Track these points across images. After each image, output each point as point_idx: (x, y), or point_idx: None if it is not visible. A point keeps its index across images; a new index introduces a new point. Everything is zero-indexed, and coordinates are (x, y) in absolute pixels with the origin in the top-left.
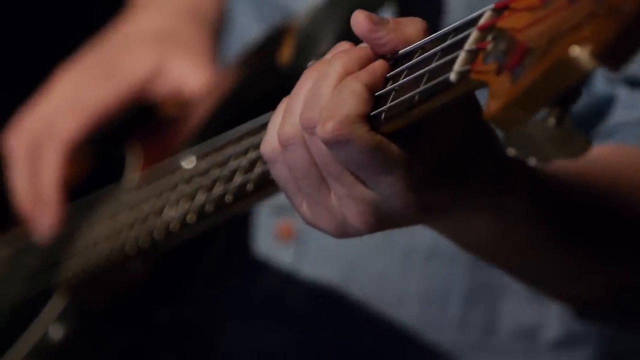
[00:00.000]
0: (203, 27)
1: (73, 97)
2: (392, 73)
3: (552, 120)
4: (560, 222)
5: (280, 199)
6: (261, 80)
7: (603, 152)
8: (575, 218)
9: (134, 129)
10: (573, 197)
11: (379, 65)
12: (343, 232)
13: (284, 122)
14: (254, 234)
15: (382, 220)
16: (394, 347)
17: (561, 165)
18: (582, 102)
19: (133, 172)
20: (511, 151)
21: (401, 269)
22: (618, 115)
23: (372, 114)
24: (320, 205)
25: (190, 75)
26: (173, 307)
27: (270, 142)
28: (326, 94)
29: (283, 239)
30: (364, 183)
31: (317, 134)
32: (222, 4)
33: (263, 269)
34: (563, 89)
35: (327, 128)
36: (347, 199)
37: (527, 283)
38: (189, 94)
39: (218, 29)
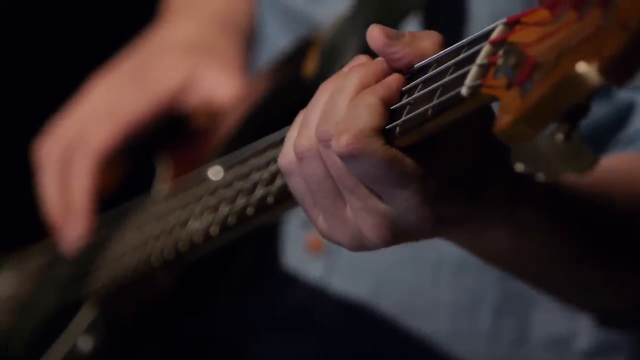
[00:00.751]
0: (235, 37)
1: (105, 107)
2: (407, 87)
3: (560, 136)
4: (579, 233)
5: None
6: (286, 92)
7: (622, 161)
8: (593, 229)
9: (165, 140)
10: (591, 207)
11: (395, 78)
12: (359, 245)
13: (300, 135)
14: (282, 247)
15: (397, 233)
16: (424, 359)
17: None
18: (604, 109)
19: (163, 183)
20: (519, 166)
21: (431, 281)
22: (638, 122)
23: (387, 127)
24: (336, 218)
25: (221, 87)
26: (200, 318)
27: (287, 155)
28: (342, 108)
29: (312, 251)
30: (379, 196)
31: (332, 147)
32: (253, 12)
33: (292, 282)
34: (571, 105)
35: (342, 142)
36: (362, 212)
37: (549, 294)
38: (220, 105)
39: (250, 38)
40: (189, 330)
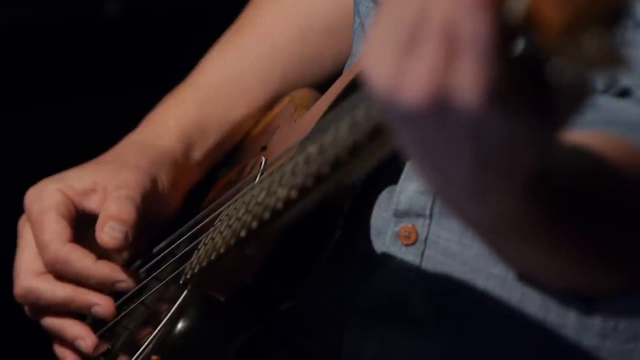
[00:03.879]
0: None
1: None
2: None
3: (597, 36)
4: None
5: (402, 203)
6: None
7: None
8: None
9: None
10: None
11: None
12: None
13: None
14: (374, 235)
15: (445, 96)
16: (514, 349)
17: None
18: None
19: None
20: (557, 67)
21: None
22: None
23: None
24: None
25: (112, 192)
26: (292, 299)
27: None
28: None
29: (406, 240)
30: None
31: None
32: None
33: (384, 270)
34: (611, 6)
35: None
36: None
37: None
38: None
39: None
40: (282, 311)
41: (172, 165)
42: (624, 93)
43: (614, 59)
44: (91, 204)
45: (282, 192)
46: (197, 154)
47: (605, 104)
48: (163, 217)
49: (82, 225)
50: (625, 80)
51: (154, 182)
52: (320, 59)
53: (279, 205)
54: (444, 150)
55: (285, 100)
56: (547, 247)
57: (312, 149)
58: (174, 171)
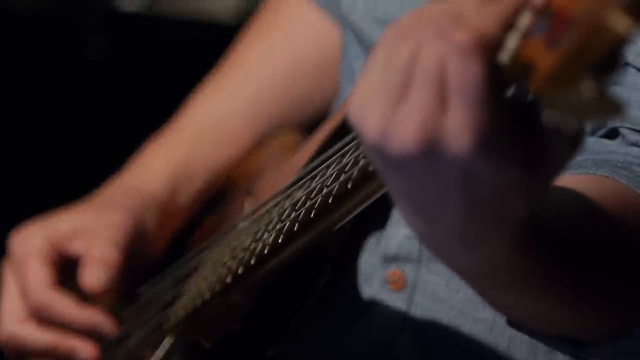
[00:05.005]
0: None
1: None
2: None
3: (590, 86)
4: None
5: (390, 248)
6: None
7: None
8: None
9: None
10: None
11: None
12: (386, 133)
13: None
14: (361, 280)
15: (430, 138)
16: None
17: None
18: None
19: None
20: (547, 116)
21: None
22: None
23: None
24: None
25: (98, 235)
26: (278, 345)
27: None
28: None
29: (394, 286)
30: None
31: (452, 37)
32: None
33: (372, 316)
34: (601, 55)
35: (461, 36)
36: (417, 112)
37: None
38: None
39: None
40: (267, 354)
41: (158, 208)
42: (612, 133)
43: (606, 108)
44: (75, 247)
45: (268, 238)
46: (184, 196)
47: (594, 146)
48: (148, 259)
49: (66, 269)
50: (613, 121)
51: (139, 224)
52: (307, 100)
53: (266, 251)
54: (433, 197)
55: (271, 142)
56: (537, 292)
57: (300, 194)
58: (160, 214)
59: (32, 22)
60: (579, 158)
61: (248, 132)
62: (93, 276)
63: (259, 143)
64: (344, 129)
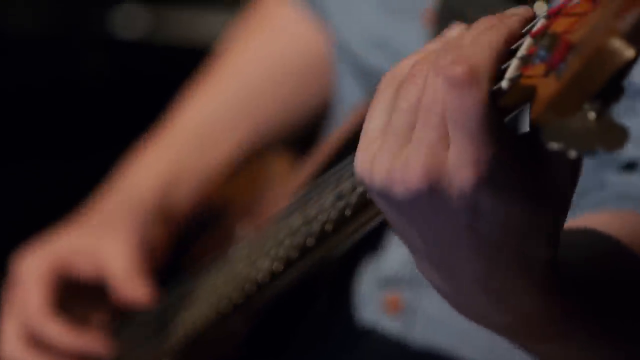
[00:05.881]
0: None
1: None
2: None
3: (592, 114)
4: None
5: (386, 271)
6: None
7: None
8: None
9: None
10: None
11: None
12: (390, 187)
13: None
14: (357, 305)
15: (435, 187)
16: None
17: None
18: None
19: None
20: (551, 144)
21: (508, 341)
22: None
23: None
24: (393, 147)
25: (114, 257)
26: None
27: (400, 67)
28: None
29: (390, 311)
30: (447, 144)
31: (443, 69)
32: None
33: (368, 340)
34: (603, 82)
35: (456, 68)
36: (426, 147)
37: None
38: (111, 275)
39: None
40: None
41: (156, 219)
42: (631, 166)
43: (610, 136)
44: (80, 268)
45: (266, 265)
46: (177, 203)
47: (613, 180)
48: (155, 272)
49: (69, 291)
50: (630, 152)
51: (145, 239)
52: (292, 105)
53: (264, 278)
54: (444, 242)
55: (263, 162)
56: (569, 339)
57: (297, 219)
58: (158, 225)
59: (29, 46)
60: (602, 194)
61: (234, 136)
62: (132, 289)
63: (250, 162)
64: (338, 153)
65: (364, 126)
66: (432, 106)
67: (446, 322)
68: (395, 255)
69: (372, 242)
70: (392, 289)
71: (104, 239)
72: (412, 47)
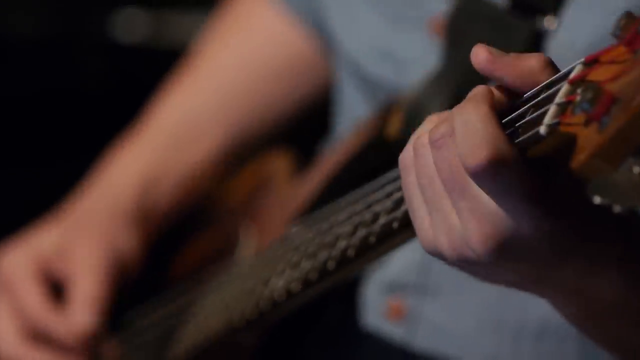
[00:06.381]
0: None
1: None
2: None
3: (637, 169)
4: None
5: (390, 276)
6: (370, 153)
7: None
8: None
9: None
10: None
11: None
12: (461, 254)
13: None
14: (362, 311)
15: (503, 244)
16: None
17: None
18: None
19: (247, 248)
20: (596, 199)
21: (512, 348)
22: None
23: None
24: (442, 221)
25: (80, 273)
26: None
27: (407, 150)
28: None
29: (393, 318)
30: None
31: (470, 165)
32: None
33: (371, 345)
34: None
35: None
36: (470, 213)
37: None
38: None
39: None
40: None
41: (133, 221)
42: None
43: None
44: (58, 268)
45: (279, 283)
46: (155, 203)
47: None
48: (129, 280)
49: (51, 287)
50: None
51: (117, 247)
52: (272, 102)
53: (281, 297)
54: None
55: (262, 166)
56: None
57: (311, 244)
58: (134, 227)
59: (30, 50)
60: None
61: (213, 134)
62: (81, 318)
63: (248, 162)
64: (346, 174)
65: (410, 210)
66: (455, 173)
67: (449, 329)
68: (399, 261)
69: None
70: (395, 295)
71: (77, 245)
72: (416, 57)
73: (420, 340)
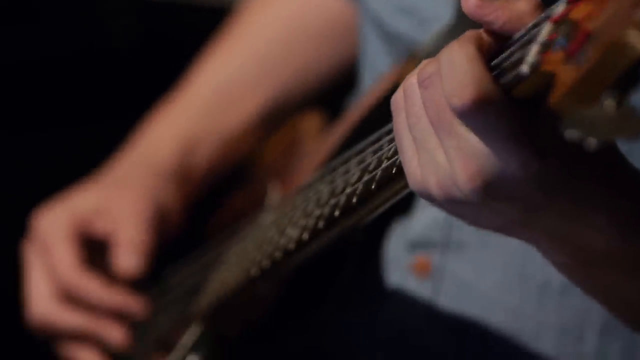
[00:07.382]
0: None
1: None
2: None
3: (611, 103)
4: None
5: (414, 234)
6: (388, 105)
7: None
8: None
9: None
10: None
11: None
12: (448, 193)
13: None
14: (386, 269)
15: (489, 182)
16: None
17: None
18: None
19: (272, 203)
20: (570, 133)
21: (537, 303)
22: None
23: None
24: (430, 161)
25: (123, 223)
26: (306, 334)
27: (398, 92)
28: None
29: (419, 274)
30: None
31: (456, 105)
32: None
33: (399, 303)
34: (621, 73)
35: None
36: (456, 151)
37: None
38: (115, 240)
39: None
40: (294, 344)
41: (173, 181)
42: None
43: (628, 126)
44: (98, 227)
45: (293, 233)
46: (195, 165)
47: None
48: (169, 235)
49: (89, 249)
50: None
51: (159, 202)
52: (312, 66)
53: (291, 246)
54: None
55: (295, 126)
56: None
57: (324, 191)
58: (175, 187)
59: (54, 13)
60: None
61: (254, 96)
62: (126, 261)
63: (269, 109)
64: (365, 124)
65: (399, 150)
66: (441, 112)
67: (474, 286)
68: (423, 219)
69: (400, 206)
70: (420, 252)
71: (119, 201)
72: (438, 14)
73: (444, 297)
